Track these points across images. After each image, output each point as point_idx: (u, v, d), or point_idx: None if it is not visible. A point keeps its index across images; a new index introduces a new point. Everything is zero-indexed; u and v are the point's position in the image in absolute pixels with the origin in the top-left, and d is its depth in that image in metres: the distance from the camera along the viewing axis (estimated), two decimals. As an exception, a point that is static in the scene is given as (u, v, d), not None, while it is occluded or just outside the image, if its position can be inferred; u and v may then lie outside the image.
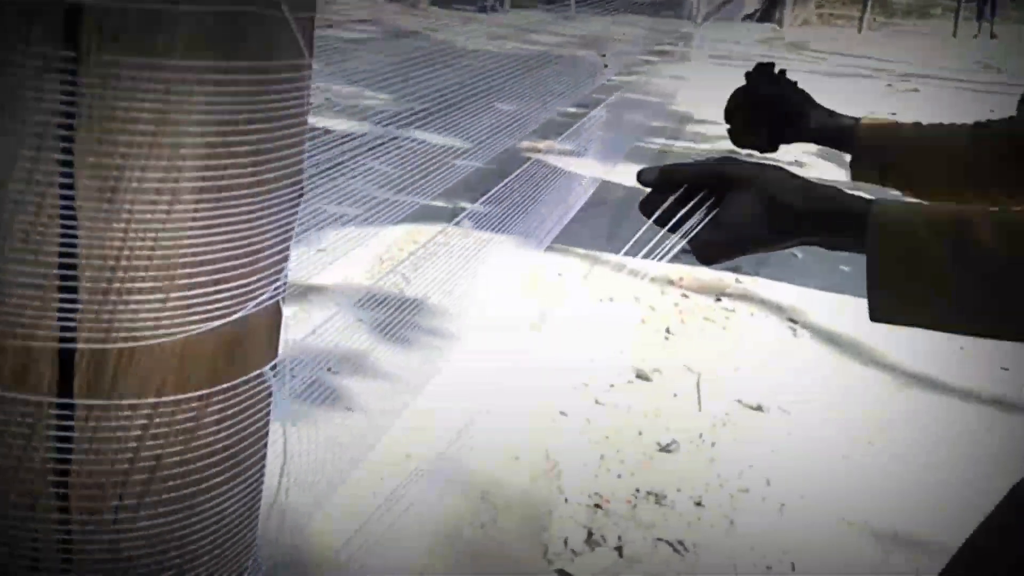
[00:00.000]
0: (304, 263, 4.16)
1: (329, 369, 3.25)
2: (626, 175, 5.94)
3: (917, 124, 1.34)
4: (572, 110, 7.11)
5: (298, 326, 3.54)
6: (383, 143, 5.80)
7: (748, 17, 18.39)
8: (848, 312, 4.18)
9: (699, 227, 0.84)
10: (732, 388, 3.36)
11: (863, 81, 11.27)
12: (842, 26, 18.82)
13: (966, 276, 0.74)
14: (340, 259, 4.24)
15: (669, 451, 2.92)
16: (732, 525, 2.61)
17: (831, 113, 1.40)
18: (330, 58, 8.04)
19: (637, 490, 2.71)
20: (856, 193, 0.86)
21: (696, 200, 0.85)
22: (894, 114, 8.99)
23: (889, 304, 0.79)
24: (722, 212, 0.84)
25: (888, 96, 10.30)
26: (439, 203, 5.06)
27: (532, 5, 13.56)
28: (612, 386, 3.28)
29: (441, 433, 2.93)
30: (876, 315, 0.80)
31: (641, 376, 3.37)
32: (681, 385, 3.35)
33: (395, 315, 3.76)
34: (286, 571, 2.33)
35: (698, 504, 2.68)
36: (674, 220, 0.86)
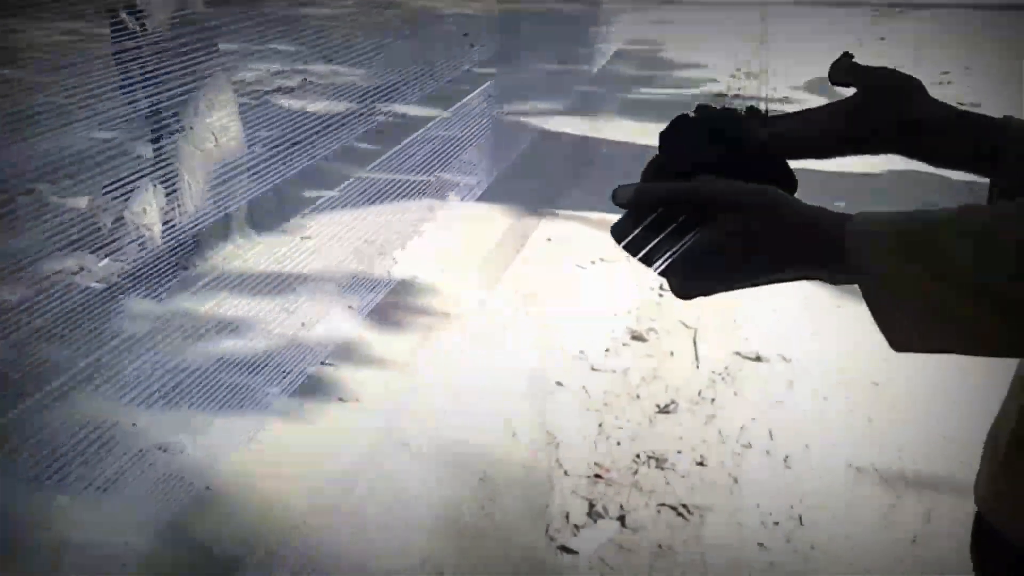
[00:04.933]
0: (290, 252, 4.10)
1: (322, 362, 3.20)
2: (613, 130, 5.83)
3: None
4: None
5: (288, 319, 3.49)
6: (360, 120, 5.71)
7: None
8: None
9: (671, 257, 0.73)
10: (730, 341, 3.30)
11: (845, 10, 11.05)
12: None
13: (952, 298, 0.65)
14: (326, 244, 4.18)
15: (668, 412, 2.87)
16: (736, 483, 2.56)
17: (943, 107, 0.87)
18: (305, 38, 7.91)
19: (637, 456, 2.66)
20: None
21: (673, 226, 0.73)
22: (882, 39, 8.82)
23: (898, 335, 0.69)
24: (697, 242, 0.72)
25: (876, 26, 10.09)
26: (423, 177, 4.99)
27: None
28: (607, 351, 3.23)
29: (437, 415, 2.89)
30: (895, 347, 0.70)
31: (636, 337, 3.31)
32: (677, 343, 3.29)
33: (385, 298, 3.70)
34: (283, 564, 2.30)
35: (700, 464, 2.63)
36: (646, 248, 0.74)
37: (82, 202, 4.14)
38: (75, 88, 3.93)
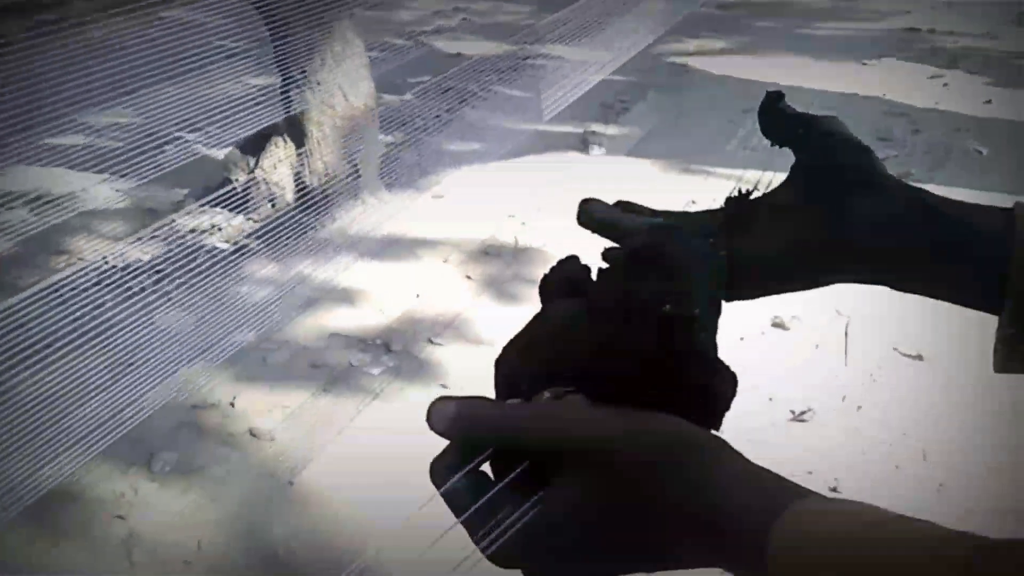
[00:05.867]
0: (418, 213, 3.92)
1: (430, 340, 3.01)
2: (781, 72, 5.28)
3: None
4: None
5: (401, 290, 3.31)
6: (513, 65, 5.43)
7: None
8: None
9: (504, 534, 0.44)
10: (888, 333, 2.86)
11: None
12: None
13: None
14: (456, 204, 3.97)
15: (803, 420, 2.51)
16: (875, 517, 2.19)
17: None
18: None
19: (759, 476, 2.32)
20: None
21: (510, 477, 0.45)
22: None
23: None
24: (546, 511, 0.43)
25: None
26: (568, 128, 4.68)
27: None
28: (742, 339, 2.86)
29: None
30: None
31: (777, 324, 2.93)
32: (825, 332, 2.89)
33: (508, 268, 3.46)
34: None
35: (834, 490, 2.27)
36: (470, 510, 0.45)
37: (220, 154, 4.10)
38: (236, 32, 3.85)
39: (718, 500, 0.42)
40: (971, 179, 3.93)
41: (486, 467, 0.48)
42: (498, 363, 0.51)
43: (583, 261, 0.55)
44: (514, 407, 0.48)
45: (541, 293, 0.53)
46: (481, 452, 0.45)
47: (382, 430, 2.61)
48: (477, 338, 3.00)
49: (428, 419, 0.46)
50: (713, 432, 0.47)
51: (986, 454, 2.35)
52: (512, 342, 0.51)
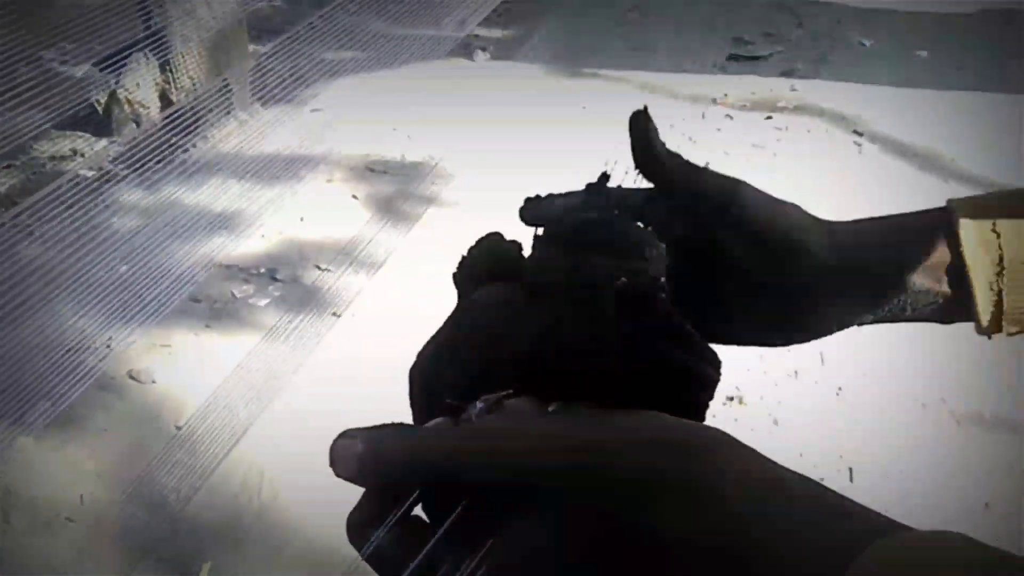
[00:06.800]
0: (296, 129, 3.72)
1: (319, 266, 2.88)
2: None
3: None
4: None
5: (284, 212, 3.15)
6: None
7: None
8: (923, 113, 3.57)
9: None
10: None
11: None
12: None
13: None
14: (336, 118, 3.78)
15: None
16: (776, 424, 2.20)
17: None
18: None
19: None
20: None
21: (447, 525, 0.35)
22: None
23: None
24: (499, 566, 0.34)
25: None
26: (449, 32, 4.49)
27: None
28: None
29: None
30: None
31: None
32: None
33: (396, 186, 3.32)
34: (254, 534, 2.05)
35: (731, 399, 2.27)
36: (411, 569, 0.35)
37: (78, 72, 3.80)
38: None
39: (762, 532, 0.32)
40: (857, 72, 3.93)
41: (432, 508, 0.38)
42: (413, 373, 0.41)
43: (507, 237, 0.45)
44: (438, 431, 0.37)
45: (459, 280, 0.43)
46: (406, 496, 0.36)
47: (273, 367, 2.49)
48: (369, 261, 2.88)
49: (332, 463, 0.36)
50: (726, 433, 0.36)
51: (883, 356, 2.37)
52: (429, 344, 0.41)
